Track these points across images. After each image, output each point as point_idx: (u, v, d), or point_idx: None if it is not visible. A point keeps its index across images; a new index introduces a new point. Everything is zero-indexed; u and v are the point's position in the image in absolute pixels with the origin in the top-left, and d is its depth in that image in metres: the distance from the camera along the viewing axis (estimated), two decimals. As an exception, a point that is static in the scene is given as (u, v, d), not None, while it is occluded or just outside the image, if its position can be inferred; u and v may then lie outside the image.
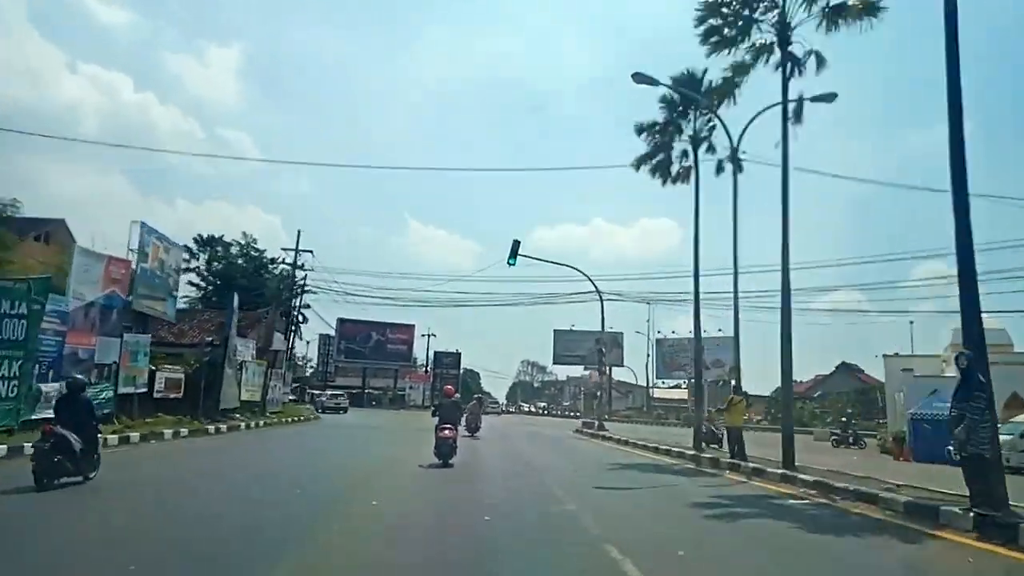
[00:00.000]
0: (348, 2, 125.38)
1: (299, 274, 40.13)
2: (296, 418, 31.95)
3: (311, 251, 37.84)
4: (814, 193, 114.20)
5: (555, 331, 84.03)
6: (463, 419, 24.43)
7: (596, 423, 29.85)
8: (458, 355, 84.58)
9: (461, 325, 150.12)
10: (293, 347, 35.35)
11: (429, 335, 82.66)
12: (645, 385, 75.08)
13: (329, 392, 55.70)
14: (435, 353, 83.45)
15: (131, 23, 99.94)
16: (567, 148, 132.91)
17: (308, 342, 75.25)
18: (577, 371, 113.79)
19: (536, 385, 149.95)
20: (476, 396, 39.05)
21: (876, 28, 12.80)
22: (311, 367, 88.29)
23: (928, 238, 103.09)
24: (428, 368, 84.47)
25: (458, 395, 44.25)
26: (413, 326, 79.24)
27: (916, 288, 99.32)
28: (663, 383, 79.16)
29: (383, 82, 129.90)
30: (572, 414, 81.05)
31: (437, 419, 13.46)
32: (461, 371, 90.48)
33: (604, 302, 29.07)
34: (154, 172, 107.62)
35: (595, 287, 28.28)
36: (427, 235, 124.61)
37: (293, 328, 43.14)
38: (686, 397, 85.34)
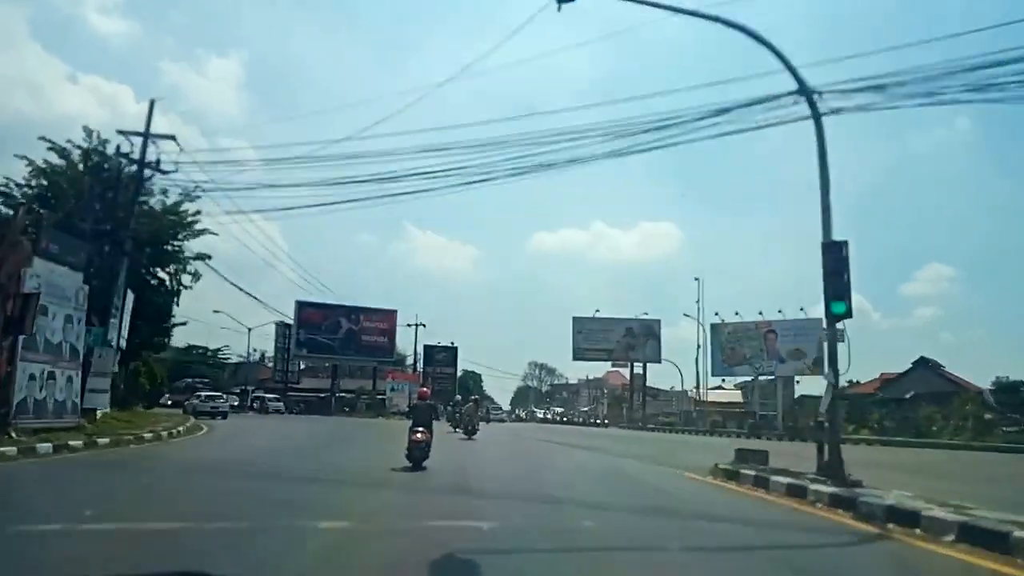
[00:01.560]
0: (343, 11, 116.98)
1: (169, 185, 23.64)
2: (131, 436, 15.37)
3: (173, 137, 21.06)
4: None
5: (575, 319, 67.19)
6: (463, 422, 25.86)
7: (824, 454, 9.42)
8: (454, 350, 67.79)
9: (459, 319, 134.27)
10: (123, 298, 18.44)
11: (417, 325, 65.88)
12: (696, 384, 58.28)
13: (205, 392, 39.65)
14: (425, 347, 66.66)
15: (130, 33, 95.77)
16: (568, 152, 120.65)
17: (250, 329, 58.18)
18: (593, 371, 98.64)
19: (545, 388, 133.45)
20: (473, 397, 34.01)
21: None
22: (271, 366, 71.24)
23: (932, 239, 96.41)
24: (416, 365, 67.67)
25: (458, 397, 36.70)
26: (395, 312, 62.48)
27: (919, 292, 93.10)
28: (723, 381, 62.23)
29: (381, 89, 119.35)
30: (597, 422, 64.14)
31: (411, 421, 12.84)
32: (459, 371, 73.82)
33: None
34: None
35: (794, 74, 10.16)
36: (425, 241, 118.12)
37: (172, 280, 26.46)
38: (740, 399, 68.59)
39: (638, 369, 66.32)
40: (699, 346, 57.23)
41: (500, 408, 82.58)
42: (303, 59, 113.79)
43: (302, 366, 71.64)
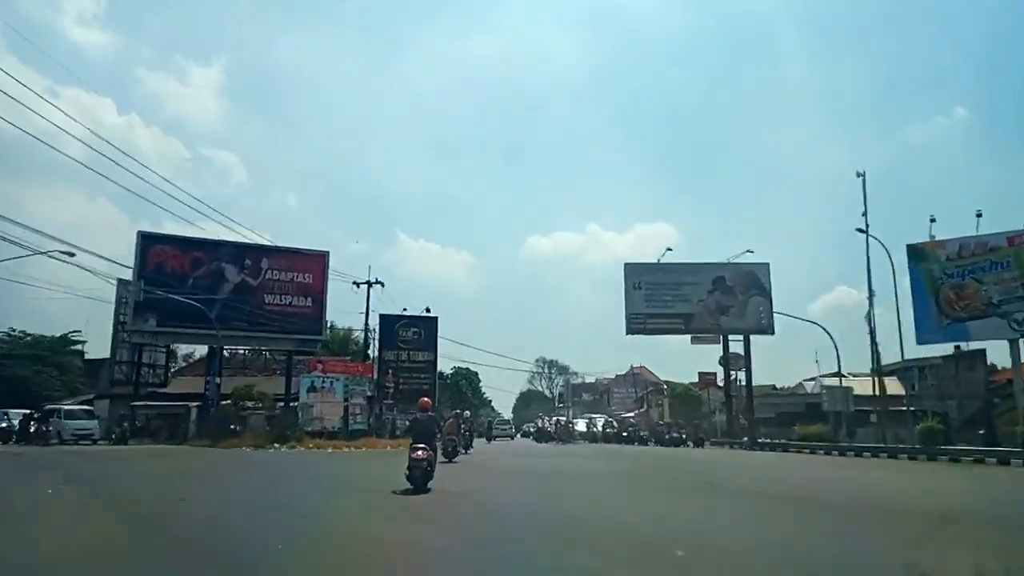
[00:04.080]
0: (328, 13, 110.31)
1: None
2: None
3: None
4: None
5: (628, 266, 40.89)
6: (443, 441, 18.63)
7: None
8: (431, 322, 41.25)
9: (455, 326, 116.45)
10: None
11: (370, 284, 39.45)
12: (874, 364, 31.50)
13: None
14: (382, 319, 40.15)
15: (110, 44, 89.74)
16: (559, 152, 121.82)
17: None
18: (611, 363, 73.57)
19: (556, 391, 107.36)
20: (455, 411, 26.52)
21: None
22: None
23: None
24: (369, 348, 41.23)
25: (467, 412, 31.71)
26: (323, 256, 35.90)
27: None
28: (963, 346, 35.57)
29: (368, 92, 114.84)
30: (677, 436, 37.48)
31: (411, 438, 11.78)
32: (441, 366, 47.67)
33: None
34: (141, 195, 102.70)
35: None
36: (418, 249, 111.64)
37: None
38: (899, 391, 42.39)
39: (734, 345, 40.06)
40: (872, 293, 30.88)
41: (507, 421, 60.49)
42: (286, 63, 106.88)
43: (195, 356, 45.18)
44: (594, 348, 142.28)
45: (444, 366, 71.58)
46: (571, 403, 40.36)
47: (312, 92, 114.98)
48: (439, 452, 19.85)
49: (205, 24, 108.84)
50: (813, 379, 44.89)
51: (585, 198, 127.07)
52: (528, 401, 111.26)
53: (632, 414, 57.95)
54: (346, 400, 32.74)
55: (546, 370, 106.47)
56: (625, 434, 37.80)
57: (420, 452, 10.99)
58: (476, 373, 74.91)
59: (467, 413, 31.79)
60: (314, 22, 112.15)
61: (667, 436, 35.83)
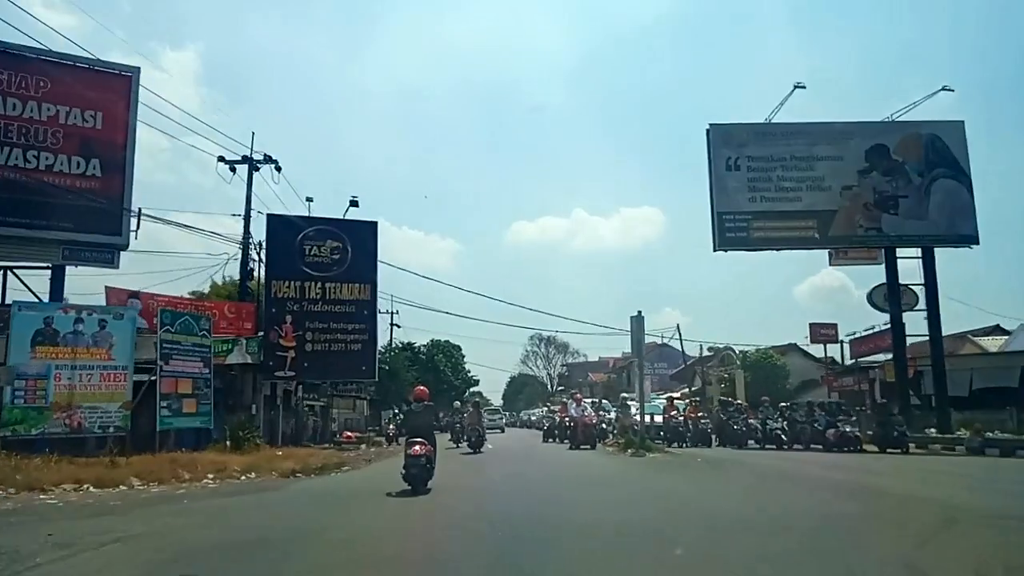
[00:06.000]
0: None
1: None
2: None
3: None
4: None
5: (713, 129, 23.38)
6: (467, 432, 20.12)
7: None
8: (366, 231, 23.15)
9: (442, 316, 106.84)
10: None
11: (251, 162, 21.56)
12: None
13: None
14: (271, 222, 22.11)
15: (79, 28, 72.47)
16: (542, 137, 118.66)
17: None
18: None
19: (556, 371, 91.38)
20: (474, 401, 26.80)
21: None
22: None
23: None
24: (252, 275, 23.32)
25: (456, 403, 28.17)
26: (129, 77, 17.82)
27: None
28: None
29: (347, 78, 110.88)
30: (850, 432, 19.46)
31: (407, 431, 10.90)
32: (415, 337, 30.91)
33: None
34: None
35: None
36: (402, 237, 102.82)
37: None
38: None
39: (906, 261, 22.61)
40: None
41: (497, 410, 52.40)
42: (263, 47, 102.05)
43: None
44: (588, 330, 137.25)
45: (420, 337, 54.76)
46: (638, 379, 20.17)
47: (290, 77, 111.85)
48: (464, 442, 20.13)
49: (178, 7, 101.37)
50: (1007, 331, 27.61)
51: (569, 183, 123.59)
52: (520, 386, 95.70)
53: (678, 394, 40.48)
54: (152, 370, 14.80)
55: (542, 349, 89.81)
56: (736, 427, 19.94)
57: (418, 447, 9.79)
58: (458, 346, 57.19)
59: (457, 403, 27.97)
60: (290, 4, 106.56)
61: (825, 432, 18.20)
